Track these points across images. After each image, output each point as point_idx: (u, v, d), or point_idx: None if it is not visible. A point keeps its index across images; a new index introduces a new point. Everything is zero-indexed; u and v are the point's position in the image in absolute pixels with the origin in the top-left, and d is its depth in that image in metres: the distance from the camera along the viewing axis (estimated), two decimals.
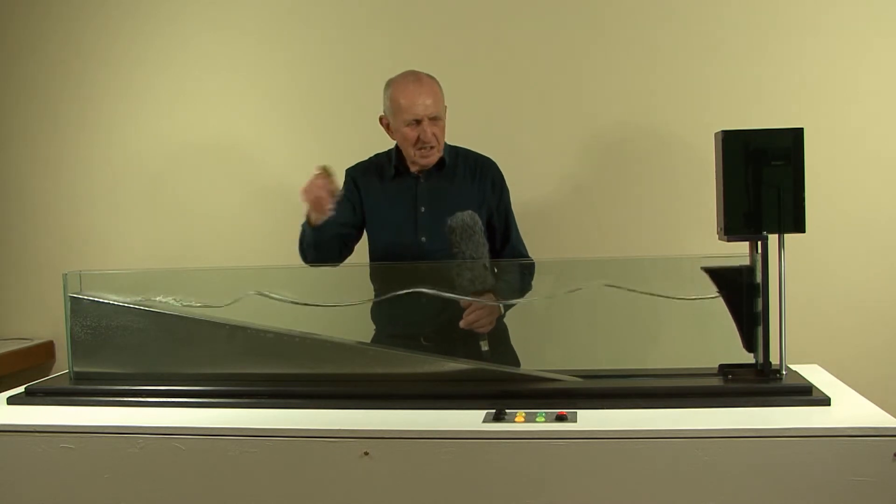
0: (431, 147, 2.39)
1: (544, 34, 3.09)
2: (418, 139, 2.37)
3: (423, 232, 2.43)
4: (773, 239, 1.90)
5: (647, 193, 3.06)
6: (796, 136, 1.86)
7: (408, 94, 2.36)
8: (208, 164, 3.33)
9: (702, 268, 1.94)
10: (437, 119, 2.37)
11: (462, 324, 2.15)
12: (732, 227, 1.90)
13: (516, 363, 2.38)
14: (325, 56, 3.23)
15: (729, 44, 2.99)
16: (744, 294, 1.93)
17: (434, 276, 2.16)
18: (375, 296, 2.31)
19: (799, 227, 1.88)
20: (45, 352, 3.43)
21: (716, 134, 1.92)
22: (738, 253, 1.96)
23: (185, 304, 2.15)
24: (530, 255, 2.49)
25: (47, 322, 3.42)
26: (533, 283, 2.32)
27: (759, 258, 1.90)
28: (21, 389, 2.16)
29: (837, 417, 1.74)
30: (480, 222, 2.17)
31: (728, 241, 1.93)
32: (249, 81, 3.28)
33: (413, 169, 2.46)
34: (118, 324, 2.13)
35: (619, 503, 1.69)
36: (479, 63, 3.13)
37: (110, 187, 3.40)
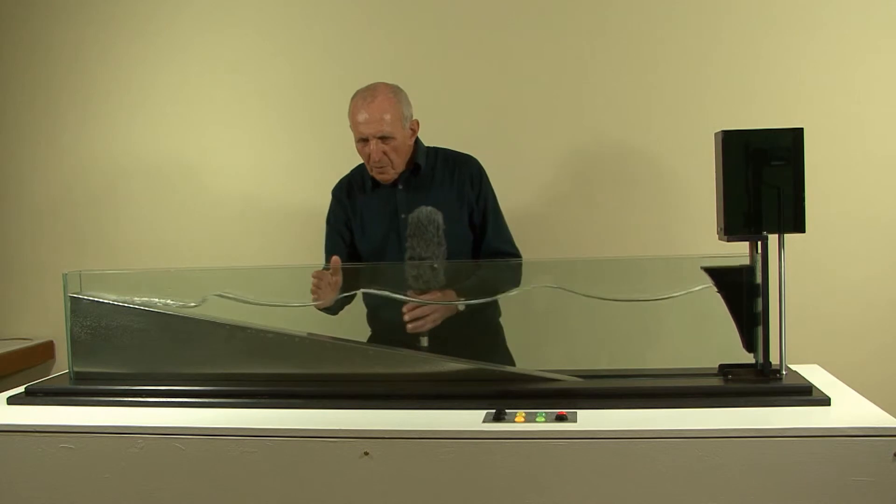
0: (385, 165, 2.37)
1: (545, 35, 3.09)
2: (369, 157, 2.37)
3: (407, 239, 2.42)
4: (773, 239, 1.90)
5: (647, 193, 3.06)
6: (796, 136, 1.86)
7: (357, 112, 2.35)
8: (209, 164, 3.33)
9: (702, 267, 1.94)
10: (387, 138, 2.34)
11: (409, 329, 2.13)
12: (732, 227, 1.90)
13: (512, 365, 2.38)
14: (326, 58, 3.23)
15: (729, 44, 2.99)
16: (744, 294, 1.93)
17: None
18: (364, 301, 2.30)
19: (799, 227, 1.88)
20: (45, 352, 3.43)
21: (716, 134, 1.92)
22: (738, 253, 1.96)
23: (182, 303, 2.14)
24: (522, 253, 2.47)
25: (47, 322, 3.42)
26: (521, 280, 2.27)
27: (759, 258, 1.90)
28: (21, 389, 2.16)
29: (837, 417, 1.74)
30: (439, 220, 2.14)
31: (728, 241, 1.93)
32: (250, 82, 3.28)
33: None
34: (118, 324, 2.13)
35: (619, 503, 1.69)
36: (481, 64, 3.13)
37: (110, 187, 3.40)
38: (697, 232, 2.82)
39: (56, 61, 3.41)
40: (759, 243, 1.90)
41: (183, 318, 2.13)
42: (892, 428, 1.64)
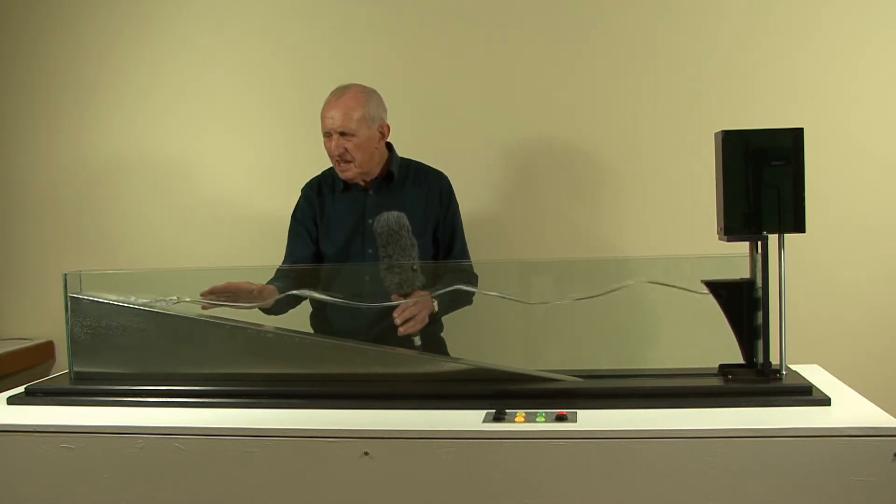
0: (347, 161, 2.41)
1: (545, 35, 3.09)
2: (331, 151, 2.42)
3: (370, 244, 2.44)
4: (773, 239, 1.90)
5: (647, 193, 3.06)
6: (796, 136, 1.86)
7: (325, 107, 2.42)
8: (209, 164, 3.33)
9: (702, 281, 1.94)
10: (347, 135, 2.38)
11: (401, 332, 2.14)
12: (732, 227, 1.90)
13: (444, 346, 2.46)
14: (327, 59, 3.23)
15: (728, 44, 3.00)
16: (744, 309, 1.93)
17: (378, 279, 2.16)
18: (311, 301, 2.32)
19: (799, 227, 1.88)
20: (45, 352, 3.43)
21: (716, 134, 1.92)
22: (737, 253, 1.96)
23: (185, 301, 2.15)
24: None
25: (47, 322, 3.41)
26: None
27: (759, 258, 1.90)
28: (21, 389, 2.16)
29: (837, 417, 1.74)
30: (407, 223, 2.15)
31: (728, 241, 1.93)
32: (250, 82, 3.29)
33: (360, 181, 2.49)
34: (118, 324, 2.13)
35: (619, 503, 1.69)
36: (481, 63, 3.13)
37: (111, 187, 3.40)
38: (697, 232, 2.82)
39: (56, 60, 3.41)
40: (759, 243, 1.90)
41: (183, 318, 2.13)
42: (892, 428, 1.64)
